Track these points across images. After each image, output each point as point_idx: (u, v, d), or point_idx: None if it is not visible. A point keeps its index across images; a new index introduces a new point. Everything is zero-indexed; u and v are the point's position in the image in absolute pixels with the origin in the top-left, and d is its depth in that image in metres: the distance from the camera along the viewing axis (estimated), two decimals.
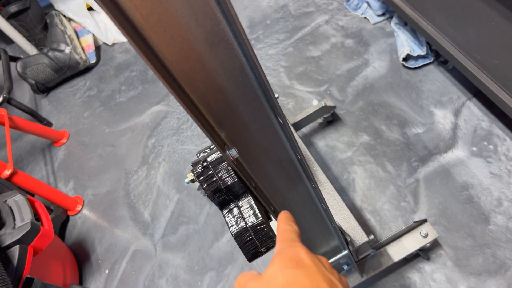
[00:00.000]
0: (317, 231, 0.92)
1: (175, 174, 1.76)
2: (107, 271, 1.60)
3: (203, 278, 1.47)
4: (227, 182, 0.54)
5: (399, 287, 1.26)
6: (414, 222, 1.21)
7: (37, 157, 2.07)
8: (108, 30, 2.37)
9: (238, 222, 0.55)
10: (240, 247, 0.55)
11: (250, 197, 0.56)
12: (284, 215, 0.50)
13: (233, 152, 0.53)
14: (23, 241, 1.27)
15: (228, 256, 1.48)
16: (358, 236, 0.98)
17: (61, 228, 1.76)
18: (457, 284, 1.22)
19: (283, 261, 0.40)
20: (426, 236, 1.20)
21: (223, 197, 0.55)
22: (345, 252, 0.97)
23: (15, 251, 1.26)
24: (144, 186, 1.78)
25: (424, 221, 1.22)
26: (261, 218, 0.55)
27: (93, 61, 2.32)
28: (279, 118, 0.54)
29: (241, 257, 1.47)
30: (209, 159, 0.54)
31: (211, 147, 0.56)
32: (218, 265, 1.48)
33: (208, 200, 1.63)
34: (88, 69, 2.35)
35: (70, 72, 2.27)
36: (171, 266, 1.53)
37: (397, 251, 1.21)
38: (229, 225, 0.55)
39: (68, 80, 2.35)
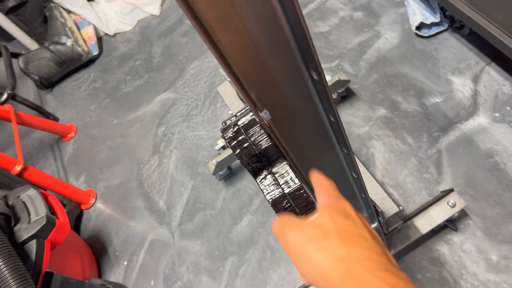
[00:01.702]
0: None
1: (188, 161, 1.73)
2: (125, 263, 1.58)
3: (224, 263, 1.44)
4: (261, 146, 0.49)
5: (428, 260, 1.23)
6: (441, 192, 1.17)
7: (46, 153, 2.04)
8: (109, 20, 2.32)
9: (275, 188, 0.51)
10: (278, 215, 0.51)
11: (285, 162, 0.52)
12: (318, 171, 0.50)
13: (266, 114, 0.48)
14: (40, 235, 1.24)
15: (248, 240, 1.45)
16: (388, 207, 0.95)
17: (76, 222, 1.74)
18: (488, 254, 1.18)
19: (333, 211, 0.41)
20: (453, 206, 1.16)
21: (257, 164, 0.51)
22: (375, 224, 0.93)
23: (32, 245, 1.23)
24: (157, 175, 1.75)
25: (451, 190, 1.18)
26: (299, 183, 0.51)
27: (95, 52, 2.27)
28: (312, 73, 0.49)
29: (262, 240, 1.43)
30: (240, 122, 0.50)
31: (237, 114, 0.52)
32: (238, 249, 1.45)
33: (224, 184, 1.59)
34: (91, 61, 2.30)
35: (73, 65, 2.23)
36: (190, 254, 1.50)
37: (424, 223, 1.17)
38: (265, 193, 0.51)
39: (71, 73, 2.31)
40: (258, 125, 0.50)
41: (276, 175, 0.52)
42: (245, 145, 0.49)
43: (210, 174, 1.64)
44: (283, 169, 0.52)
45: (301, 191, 0.51)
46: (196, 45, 2.10)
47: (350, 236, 0.39)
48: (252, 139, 0.49)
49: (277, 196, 0.51)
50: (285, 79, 0.51)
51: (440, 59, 1.56)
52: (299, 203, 0.51)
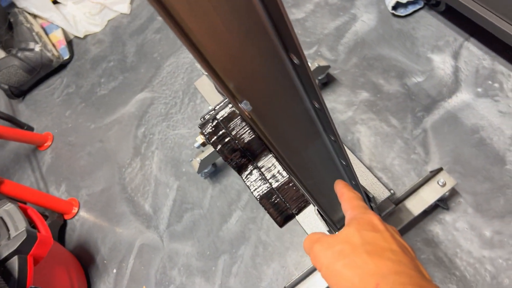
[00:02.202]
0: (335, 193, 0.85)
1: (171, 161, 1.68)
2: (115, 271, 1.53)
3: (216, 262, 1.40)
4: (244, 140, 0.46)
5: (422, 241, 1.21)
6: (430, 172, 1.15)
7: (23, 165, 1.97)
8: (77, 22, 2.24)
9: (262, 183, 0.48)
10: (268, 212, 0.48)
11: (270, 154, 0.49)
12: (342, 182, 0.52)
13: (246, 105, 0.45)
14: (21, 250, 1.19)
15: (239, 237, 1.42)
16: (380, 191, 0.92)
17: (60, 233, 1.68)
18: (481, 230, 1.17)
19: (360, 225, 0.41)
20: (444, 185, 1.15)
21: (240, 159, 0.48)
22: None
23: (14, 262, 1.17)
24: (141, 178, 1.70)
25: (440, 169, 1.16)
26: (287, 176, 0.47)
27: (66, 56, 2.19)
28: (292, 57, 0.46)
29: (253, 235, 1.40)
30: (218, 116, 0.46)
31: (215, 107, 0.48)
32: (230, 247, 1.41)
33: (210, 182, 1.55)
34: (62, 66, 2.22)
35: (43, 71, 2.14)
36: (181, 256, 1.46)
37: (416, 205, 1.16)
38: (252, 189, 0.48)
39: (43, 80, 2.23)
40: (239, 117, 0.46)
41: (262, 169, 0.48)
42: (227, 140, 0.46)
43: (195, 173, 1.59)
44: (269, 163, 0.48)
45: (290, 184, 0.48)
46: (170, 42, 2.04)
47: (378, 250, 0.39)
48: (234, 133, 0.46)
49: (265, 191, 0.48)
50: (264, 66, 0.47)
51: (419, 37, 1.54)
52: (288, 198, 0.48)
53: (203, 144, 0.48)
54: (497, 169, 1.23)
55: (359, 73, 1.55)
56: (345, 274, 0.37)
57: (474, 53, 1.43)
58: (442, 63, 1.46)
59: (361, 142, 1.42)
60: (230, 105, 0.47)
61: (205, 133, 0.45)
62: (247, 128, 0.46)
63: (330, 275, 0.39)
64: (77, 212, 1.72)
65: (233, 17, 0.39)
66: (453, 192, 1.24)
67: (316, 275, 1.16)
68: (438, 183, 1.15)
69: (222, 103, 0.49)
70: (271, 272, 1.33)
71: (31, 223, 1.34)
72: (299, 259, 1.32)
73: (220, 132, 0.46)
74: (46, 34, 2.21)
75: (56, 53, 2.13)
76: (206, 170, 1.51)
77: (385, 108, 1.45)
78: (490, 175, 1.23)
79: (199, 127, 0.47)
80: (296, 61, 0.46)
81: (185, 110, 1.78)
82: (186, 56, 1.94)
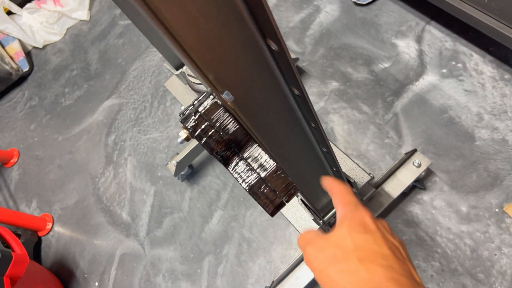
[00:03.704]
0: (318, 181, 0.85)
1: (145, 166, 1.64)
2: (97, 284, 1.49)
3: (201, 264, 1.38)
4: (229, 131, 0.45)
5: (402, 223, 1.24)
6: (405, 154, 1.18)
7: None
8: (35, 32, 2.16)
9: (250, 174, 0.47)
10: (259, 202, 0.47)
11: (256, 144, 0.48)
12: (329, 178, 0.51)
13: (228, 95, 0.44)
14: None
15: (222, 236, 1.40)
16: (360, 176, 0.93)
17: (35, 251, 1.61)
18: (458, 206, 1.21)
19: (351, 225, 0.42)
20: (419, 165, 1.17)
21: (226, 152, 0.47)
22: None
23: None
24: (115, 186, 1.65)
25: (414, 151, 1.19)
26: (275, 164, 0.47)
27: (26, 68, 2.11)
28: (270, 43, 0.45)
29: (236, 233, 1.39)
30: (200, 109, 0.45)
31: (194, 102, 0.47)
32: (214, 247, 1.40)
33: (188, 184, 1.53)
34: (22, 78, 2.14)
35: (3, 85, 2.06)
36: (164, 261, 1.43)
37: (394, 187, 1.18)
38: (240, 181, 0.47)
39: (3, 94, 2.13)
40: (222, 108, 0.45)
41: (249, 160, 0.47)
42: (211, 132, 0.45)
43: (171, 176, 1.57)
44: (256, 152, 0.48)
45: (278, 172, 0.47)
46: (134, 45, 2.00)
47: (370, 255, 0.39)
48: (217, 124, 0.45)
49: (254, 182, 0.47)
50: (242, 54, 0.46)
51: (382, 24, 1.57)
52: (278, 186, 0.47)
53: (187, 139, 0.47)
54: (467, 146, 1.27)
55: (327, 63, 1.57)
56: (338, 281, 0.38)
57: (436, 36, 1.47)
58: (406, 48, 1.49)
59: (335, 131, 1.43)
60: (211, 97, 0.46)
61: (188, 127, 0.44)
62: (231, 119, 0.45)
63: (323, 279, 0.40)
64: (52, 227, 1.66)
65: (210, 5, 0.38)
66: (429, 172, 1.27)
67: (303, 267, 1.16)
68: (413, 164, 1.17)
69: (201, 97, 0.48)
70: (257, 268, 1.32)
71: (4, 243, 1.28)
72: (284, 252, 1.32)
73: (204, 125, 0.45)
74: (3, 46, 2.12)
75: (14, 66, 2.05)
76: (183, 173, 1.49)
77: (355, 96, 1.47)
78: (462, 152, 1.27)
79: (181, 122, 0.45)
80: (274, 47, 0.45)
81: (155, 114, 1.75)
82: (152, 59, 1.91)
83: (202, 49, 0.42)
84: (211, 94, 0.46)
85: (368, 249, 0.40)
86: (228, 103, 0.44)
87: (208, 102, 0.45)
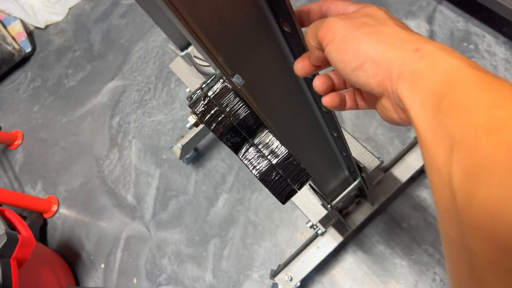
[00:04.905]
0: (327, 165, 0.84)
1: (150, 149, 1.63)
2: (102, 265, 1.49)
3: (207, 247, 1.38)
4: (240, 116, 0.43)
5: (410, 207, 1.22)
6: (414, 138, 1.15)
7: None
8: (36, 12, 2.12)
9: (261, 161, 0.45)
10: (270, 190, 0.46)
11: (267, 130, 0.46)
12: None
13: (238, 79, 0.42)
14: (3, 254, 1.14)
15: (227, 219, 1.40)
16: (369, 161, 0.91)
17: (41, 233, 1.62)
18: None
19: (374, 6, 0.36)
20: None
21: (236, 138, 0.45)
22: (357, 181, 0.90)
23: None
24: (120, 169, 1.65)
25: None
26: (287, 150, 0.45)
27: (28, 49, 2.08)
28: (284, 25, 0.43)
29: (242, 217, 1.39)
30: (210, 93, 0.43)
31: (202, 85, 0.45)
32: (219, 230, 1.39)
33: (193, 167, 1.52)
34: (25, 59, 2.11)
35: (5, 66, 2.03)
36: (170, 244, 1.44)
37: (403, 172, 1.16)
38: (250, 168, 0.45)
39: (6, 75, 2.11)
40: (232, 93, 0.43)
41: (260, 146, 0.46)
42: (221, 118, 0.43)
43: (176, 159, 1.56)
44: (267, 138, 0.46)
45: (291, 159, 0.45)
46: (137, 25, 1.96)
47: (404, 26, 0.33)
48: (228, 109, 0.43)
49: (265, 169, 0.45)
50: (253, 35, 0.44)
51: (392, 4, 1.52)
52: (290, 173, 0.45)
53: (196, 125, 0.45)
54: None
55: None
56: (368, 42, 0.32)
57: (448, 16, 1.43)
58: (417, 28, 1.45)
59: (342, 114, 1.41)
60: (221, 81, 0.44)
61: (197, 112, 0.42)
62: (241, 104, 0.43)
63: (343, 43, 0.33)
64: (57, 209, 1.66)
65: None
66: None
67: (310, 250, 1.16)
68: None
69: (210, 80, 0.46)
70: (263, 251, 1.32)
71: (10, 225, 1.28)
72: (290, 235, 1.31)
73: (213, 110, 0.43)
74: (4, 26, 2.09)
75: (17, 46, 2.02)
76: (188, 156, 1.48)
77: None
78: None
79: (189, 107, 0.43)
80: (288, 29, 0.43)
81: (160, 96, 1.73)
82: (155, 40, 1.87)
83: (213, 31, 0.39)
84: (221, 77, 0.44)
85: (376, 12, 0.35)
86: (239, 87, 0.42)
87: (217, 86, 0.43)
